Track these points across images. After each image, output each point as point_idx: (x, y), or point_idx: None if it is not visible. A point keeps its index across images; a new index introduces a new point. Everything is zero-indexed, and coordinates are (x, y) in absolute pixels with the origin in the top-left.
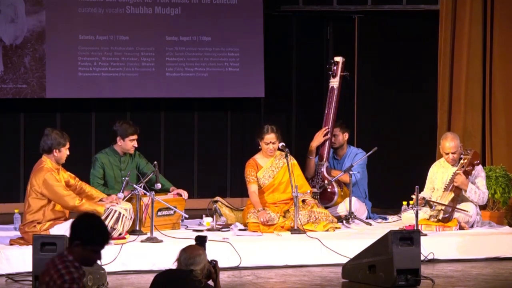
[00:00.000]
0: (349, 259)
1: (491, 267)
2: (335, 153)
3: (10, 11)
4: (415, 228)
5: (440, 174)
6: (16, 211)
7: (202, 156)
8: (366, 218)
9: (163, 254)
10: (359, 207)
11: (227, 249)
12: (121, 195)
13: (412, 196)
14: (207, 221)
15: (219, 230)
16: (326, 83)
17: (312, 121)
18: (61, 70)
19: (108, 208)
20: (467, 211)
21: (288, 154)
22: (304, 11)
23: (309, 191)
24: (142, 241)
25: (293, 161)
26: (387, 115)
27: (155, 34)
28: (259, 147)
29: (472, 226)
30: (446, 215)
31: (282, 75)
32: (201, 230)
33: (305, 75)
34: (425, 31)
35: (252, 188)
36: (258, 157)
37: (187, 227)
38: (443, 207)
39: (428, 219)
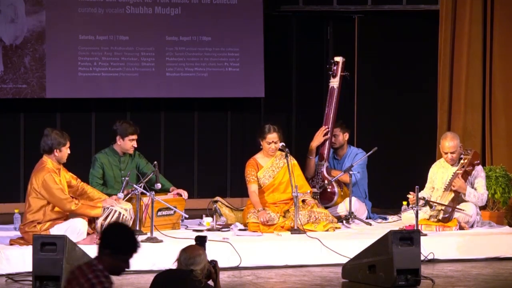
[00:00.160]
0: (349, 259)
1: (491, 267)
2: (335, 153)
3: (10, 11)
4: (415, 228)
5: (440, 174)
6: (16, 211)
7: (202, 156)
8: (366, 218)
9: (163, 254)
10: (359, 207)
11: (227, 249)
12: (121, 195)
13: (407, 196)
14: (207, 221)
15: (219, 230)
16: (326, 83)
17: (312, 121)
18: (61, 70)
19: (108, 208)
20: (463, 210)
21: (288, 154)
22: (304, 11)
23: (309, 191)
24: (142, 241)
25: (293, 161)
26: (387, 115)
27: (155, 34)
28: (260, 147)
29: (472, 226)
30: (446, 215)
31: (282, 75)
32: (201, 230)
33: (305, 75)
34: (425, 31)
35: (252, 188)
36: (258, 157)
37: (187, 227)
38: (443, 207)
39: (428, 219)
